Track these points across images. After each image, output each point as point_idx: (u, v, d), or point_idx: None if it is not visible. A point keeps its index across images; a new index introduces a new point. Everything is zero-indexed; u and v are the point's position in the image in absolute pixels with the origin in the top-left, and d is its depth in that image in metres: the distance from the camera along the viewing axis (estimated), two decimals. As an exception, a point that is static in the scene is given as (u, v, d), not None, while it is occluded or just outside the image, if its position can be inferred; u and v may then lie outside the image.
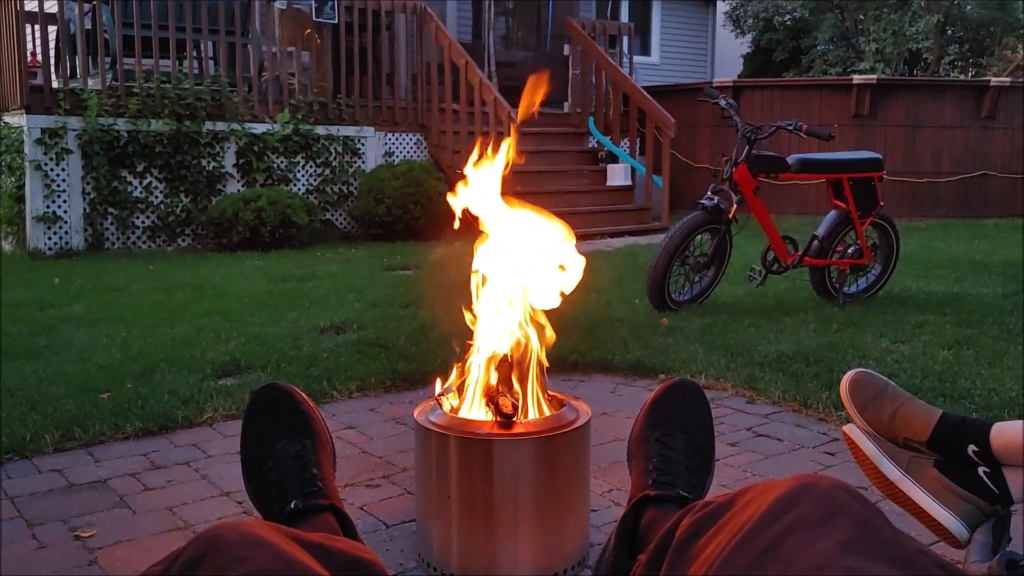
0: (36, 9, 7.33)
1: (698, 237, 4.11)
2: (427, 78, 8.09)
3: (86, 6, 6.66)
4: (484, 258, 1.68)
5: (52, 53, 7.00)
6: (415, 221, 7.06)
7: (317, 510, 1.39)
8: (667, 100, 8.73)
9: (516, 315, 1.65)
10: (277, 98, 7.39)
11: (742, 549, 0.81)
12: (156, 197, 6.85)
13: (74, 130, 6.47)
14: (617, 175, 8.49)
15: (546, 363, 1.71)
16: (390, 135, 8.01)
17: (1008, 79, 10.05)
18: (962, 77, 14.94)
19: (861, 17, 15.03)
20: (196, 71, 7.11)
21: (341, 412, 2.67)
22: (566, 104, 9.49)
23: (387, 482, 2.12)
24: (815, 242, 4.19)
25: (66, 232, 6.53)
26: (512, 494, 1.56)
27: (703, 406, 1.62)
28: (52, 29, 7.23)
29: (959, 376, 2.88)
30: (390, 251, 6.39)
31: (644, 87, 8.87)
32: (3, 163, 6.77)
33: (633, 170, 8.59)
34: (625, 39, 9.86)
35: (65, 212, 6.51)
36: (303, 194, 7.25)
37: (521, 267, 1.64)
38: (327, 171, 7.62)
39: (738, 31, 15.94)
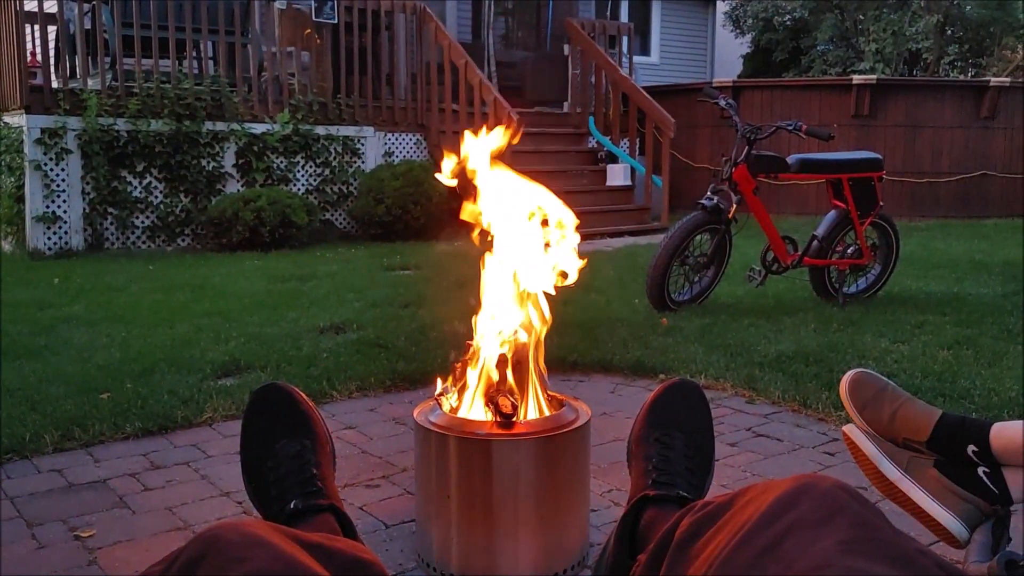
0: (36, 9, 7.34)
1: (698, 237, 4.11)
2: (427, 78, 8.09)
3: (86, 6, 6.65)
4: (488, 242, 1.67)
5: (52, 53, 7.00)
6: (415, 221, 7.06)
7: (317, 510, 1.39)
8: (667, 100, 8.74)
9: (517, 315, 1.65)
10: (277, 98, 7.38)
11: (742, 549, 0.81)
12: (156, 197, 6.85)
13: (74, 130, 6.47)
14: (617, 175, 8.49)
15: (543, 366, 1.70)
16: (390, 135, 8.01)
17: (1008, 79, 10.05)
18: (962, 77, 14.94)
19: (861, 17, 15.04)
20: (196, 71, 7.10)
21: (341, 412, 2.67)
22: (566, 104, 9.49)
23: (387, 482, 2.12)
24: (815, 242, 4.20)
25: (66, 232, 6.53)
26: (512, 494, 1.56)
27: (703, 406, 1.62)
28: (52, 29, 7.24)
29: (959, 376, 2.88)
30: (390, 251, 6.39)
31: (644, 87, 8.88)
32: (3, 163, 6.77)
33: (633, 170, 8.59)
34: (625, 39, 9.86)
35: (65, 212, 6.51)
36: (303, 194, 7.25)
37: (521, 246, 1.63)
38: (327, 171, 7.62)
39: (738, 31, 15.94)
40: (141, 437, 2.43)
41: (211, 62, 7.49)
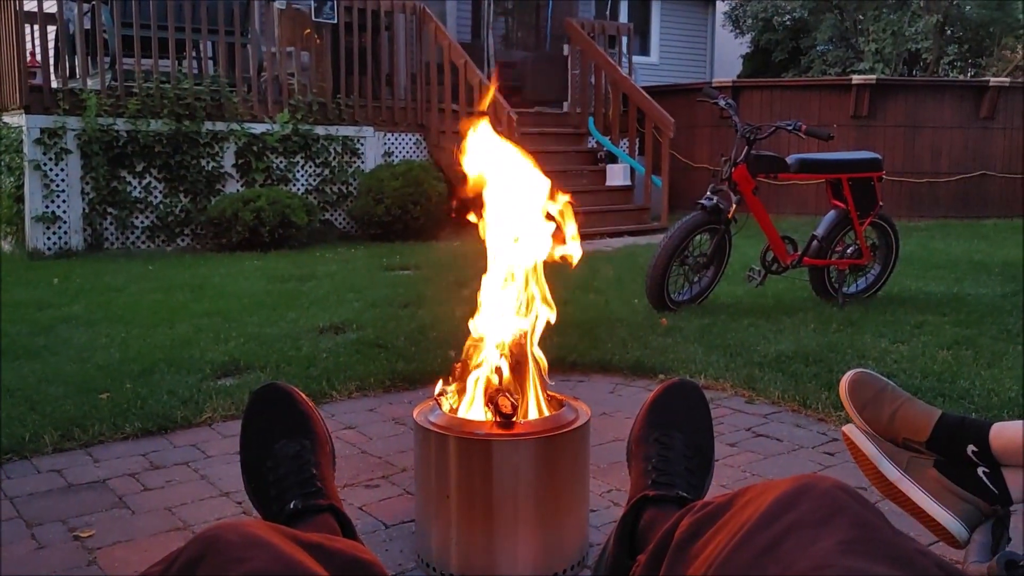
0: (35, 9, 7.34)
1: (697, 237, 4.11)
2: (426, 78, 8.09)
3: (85, 6, 6.65)
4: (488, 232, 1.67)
5: (51, 53, 7.00)
6: (414, 221, 7.06)
7: (316, 510, 1.39)
8: (666, 100, 8.74)
9: (518, 313, 1.65)
10: (276, 98, 7.38)
11: (741, 549, 0.81)
12: (155, 197, 6.85)
13: (73, 130, 6.47)
14: (616, 175, 8.49)
15: (544, 364, 1.70)
16: (389, 135, 8.01)
17: (1007, 79, 10.05)
18: (961, 77, 14.94)
19: (860, 17, 15.04)
20: (195, 71, 7.10)
21: (340, 412, 2.67)
22: (565, 104, 9.49)
23: (386, 482, 2.12)
24: (814, 242, 4.20)
25: (65, 232, 6.52)
26: (511, 494, 1.56)
27: (702, 406, 1.62)
28: (51, 29, 7.24)
29: (958, 376, 2.88)
30: (389, 251, 6.39)
31: (643, 87, 8.88)
32: (2, 163, 6.77)
33: (632, 170, 8.59)
34: (624, 39, 9.86)
35: (64, 212, 6.51)
36: (302, 194, 7.25)
37: (520, 226, 1.64)
38: (326, 171, 7.62)
39: (737, 31, 15.94)
40: (141, 437, 2.43)
41: (211, 62, 7.49)
